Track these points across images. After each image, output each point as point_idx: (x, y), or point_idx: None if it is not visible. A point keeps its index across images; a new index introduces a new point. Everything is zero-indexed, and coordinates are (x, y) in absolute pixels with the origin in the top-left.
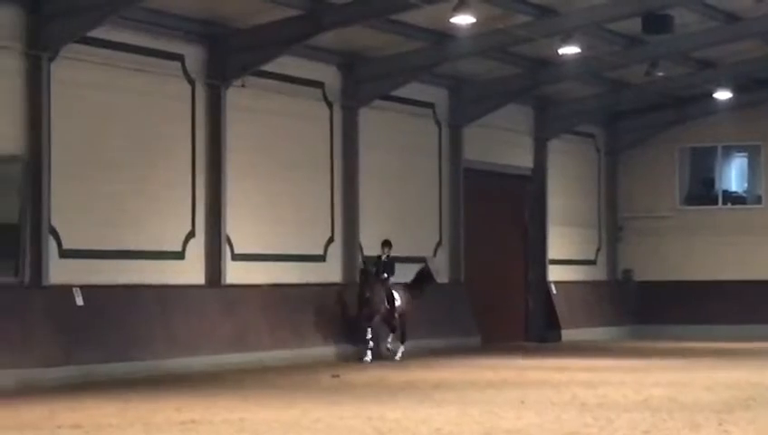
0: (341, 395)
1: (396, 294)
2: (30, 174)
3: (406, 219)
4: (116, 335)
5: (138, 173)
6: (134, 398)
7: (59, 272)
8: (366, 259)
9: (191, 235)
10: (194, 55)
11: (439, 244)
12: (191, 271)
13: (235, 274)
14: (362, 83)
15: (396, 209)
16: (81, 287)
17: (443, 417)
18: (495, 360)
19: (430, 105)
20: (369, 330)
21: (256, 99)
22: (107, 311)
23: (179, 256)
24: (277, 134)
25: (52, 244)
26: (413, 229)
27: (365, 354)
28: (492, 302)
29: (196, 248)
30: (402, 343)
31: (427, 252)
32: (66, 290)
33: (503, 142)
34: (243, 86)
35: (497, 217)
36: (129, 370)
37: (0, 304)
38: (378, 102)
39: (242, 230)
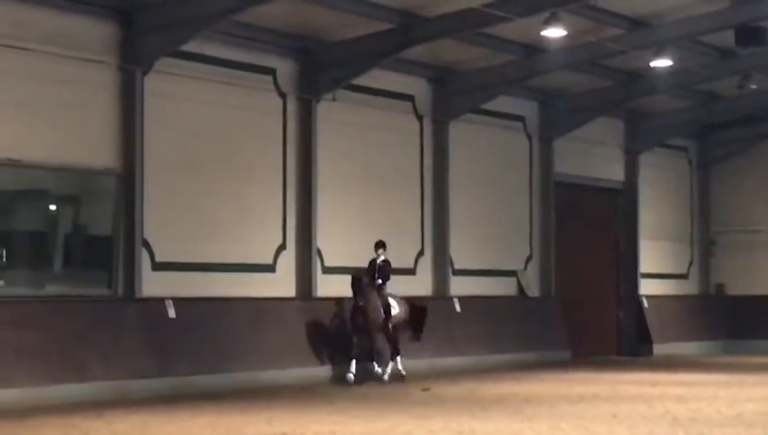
0: (431, 408)
1: (393, 303)
2: (123, 187)
3: (496, 233)
4: (207, 348)
5: (229, 186)
6: (225, 410)
7: (151, 285)
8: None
9: (282, 247)
10: (285, 69)
11: (530, 257)
12: (282, 284)
13: (326, 286)
14: (453, 97)
15: (486, 223)
16: (174, 300)
17: (534, 431)
18: (587, 374)
19: (521, 118)
20: (356, 342)
21: (347, 112)
22: (199, 323)
23: (270, 268)
24: (368, 148)
25: (145, 257)
26: (503, 243)
27: (349, 370)
28: (583, 316)
29: (287, 261)
30: (392, 359)
31: (517, 265)
32: (159, 303)
33: (594, 155)
34: (334, 100)
35: (588, 230)
36: (221, 382)
37: (94, 316)
38: (468, 116)
39: (332, 243)
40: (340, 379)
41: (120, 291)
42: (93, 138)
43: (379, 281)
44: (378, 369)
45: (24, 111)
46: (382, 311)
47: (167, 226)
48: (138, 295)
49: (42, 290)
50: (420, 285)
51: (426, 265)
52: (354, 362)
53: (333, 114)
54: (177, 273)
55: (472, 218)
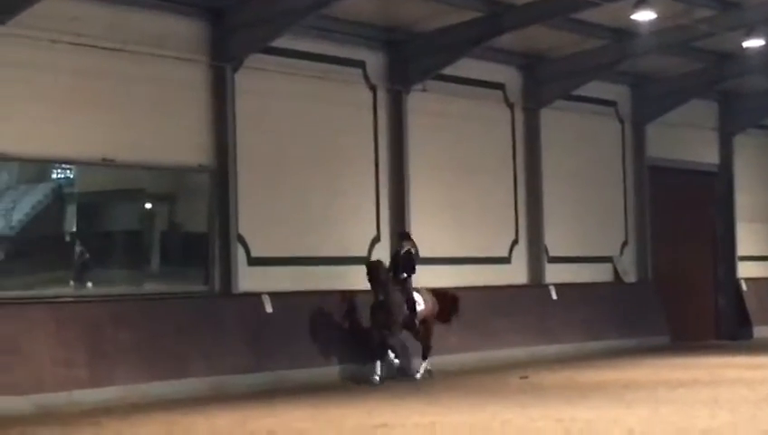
0: (531, 397)
1: (418, 298)
2: (217, 184)
3: (590, 219)
4: (305, 341)
5: (322, 180)
6: (324, 403)
7: (248, 280)
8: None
9: (376, 239)
10: (375, 61)
11: (625, 243)
12: None
13: (421, 277)
14: (543, 84)
15: (580, 209)
16: (270, 295)
17: (634, 417)
18: (686, 359)
19: (612, 103)
20: (377, 341)
21: (437, 102)
22: (295, 317)
23: (365, 261)
24: (459, 137)
25: (241, 252)
26: (598, 229)
27: (374, 371)
28: (681, 300)
29: (382, 253)
30: (425, 358)
31: (613, 251)
32: (255, 298)
33: (687, 139)
34: (424, 90)
35: (683, 214)
36: (319, 374)
37: (192, 312)
38: (559, 102)
39: (426, 234)
40: (363, 380)
41: (217, 287)
42: (186, 136)
43: (404, 275)
44: (395, 360)
45: (117, 111)
46: (406, 307)
47: (261, 221)
48: (234, 291)
49: (139, 288)
50: (515, 274)
51: (520, 253)
52: (379, 362)
53: (424, 105)
54: (272, 267)
55: (566, 205)
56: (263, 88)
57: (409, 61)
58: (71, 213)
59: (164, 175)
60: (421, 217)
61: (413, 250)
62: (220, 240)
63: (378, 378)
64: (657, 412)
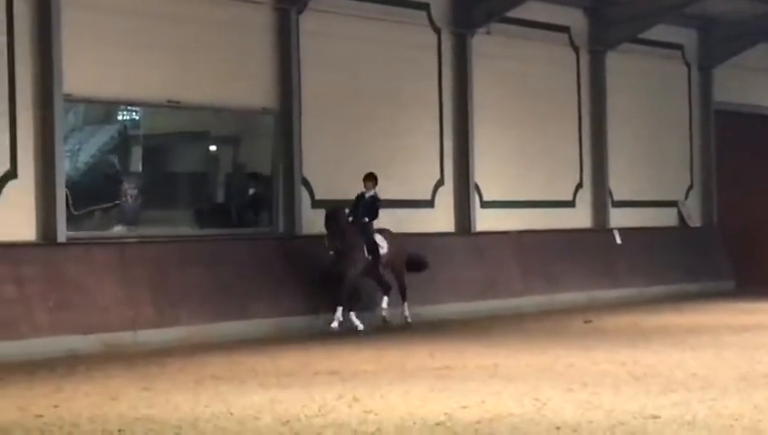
0: (594, 340)
1: (379, 240)
2: (281, 126)
3: (656, 163)
4: (368, 283)
5: (386, 123)
6: (387, 344)
7: (311, 222)
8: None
9: (440, 183)
10: (439, 3)
11: (691, 187)
12: (441, 219)
13: (485, 221)
14: (609, 27)
15: (645, 153)
16: None
17: (698, 361)
18: (751, 303)
19: (679, 47)
20: (340, 308)
21: (502, 46)
22: None
23: (429, 204)
24: (523, 81)
25: (305, 195)
26: (663, 173)
27: (332, 319)
28: (746, 245)
29: (446, 197)
30: (404, 300)
31: (678, 196)
32: (318, 240)
33: (755, 83)
34: (488, 33)
35: (749, 158)
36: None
37: (255, 254)
38: (625, 45)
39: (490, 178)
40: (324, 328)
41: (281, 229)
42: (251, 78)
43: (366, 219)
44: (355, 320)
45: (182, 53)
46: (366, 251)
47: (325, 163)
48: (298, 233)
49: (204, 229)
50: (580, 218)
51: (585, 197)
52: (340, 308)
53: (488, 48)
54: None
55: (631, 150)
56: (327, 30)
57: (474, 3)
58: (136, 155)
59: (228, 117)
60: (485, 161)
61: (376, 195)
62: (284, 183)
63: (337, 324)
64: (720, 356)
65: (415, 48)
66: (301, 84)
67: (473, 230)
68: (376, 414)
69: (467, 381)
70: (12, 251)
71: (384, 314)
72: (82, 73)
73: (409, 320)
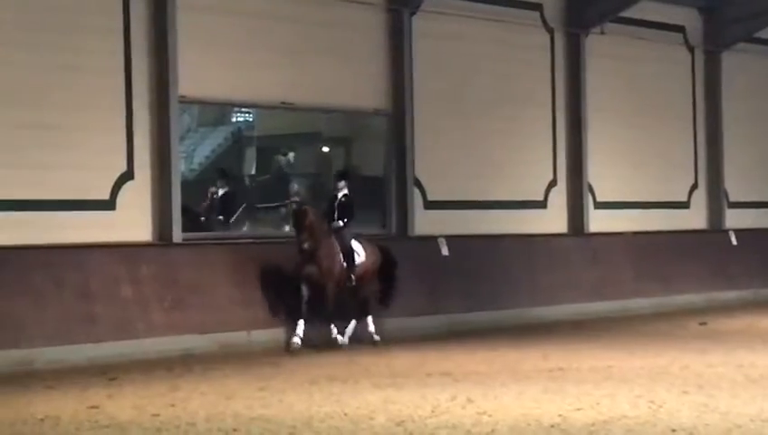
0: (709, 342)
1: (357, 248)
2: (394, 127)
3: None
4: (481, 285)
5: (499, 124)
6: (500, 346)
7: (424, 223)
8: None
9: (553, 184)
10: (552, 4)
11: None
12: (554, 220)
13: (598, 222)
14: (725, 26)
15: (762, 154)
16: (445, 238)
17: None
18: None
19: None
20: (305, 295)
21: (616, 45)
22: (471, 261)
23: (542, 205)
24: (638, 80)
25: (417, 195)
26: None
27: (294, 333)
28: None
29: (559, 197)
30: (358, 319)
31: None
32: (431, 241)
33: None
34: (602, 33)
35: None
36: (494, 319)
37: None
38: (741, 45)
39: (603, 178)
40: (287, 343)
41: (393, 230)
42: (363, 79)
43: (340, 223)
44: (336, 334)
45: (295, 55)
46: (341, 257)
47: (437, 165)
48: (410, 234)
49: None
50: (694, 219)
51: (700, 198)
52: (302, 322)
53: (602, 48)
54: (448, 211)
55: (747, 150)
56: (439, 31)
57: (588, 3)
58: (250, 156)
59: (341, 119)
60: (599, 161)
61: (350, 196)
62: (397, 184)
63: (299, 340)
64: None
65: (528, 48)
66: (413, 85)
67: (586, 231)
68: (490, 415)
69: (581, 383)
70: (128, 251)
71: (372, 332)
72: (197, 75)
73: (377, 338)
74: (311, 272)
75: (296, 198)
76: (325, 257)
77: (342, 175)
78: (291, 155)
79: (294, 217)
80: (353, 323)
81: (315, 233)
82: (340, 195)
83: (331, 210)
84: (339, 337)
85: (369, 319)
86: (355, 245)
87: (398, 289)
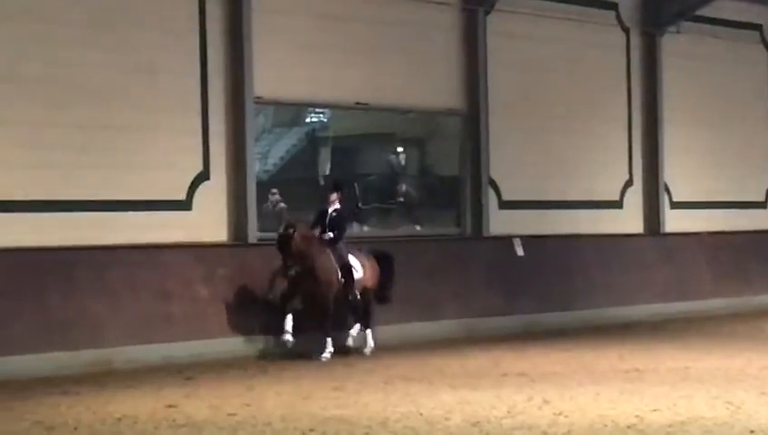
0: None
1: (354, 263)
2: (469, 128)
3: None
4: (555, 285)
5: (574, 123)
6: (576, 347)
7: (499, 223)
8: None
9: (629, 184)
10: (628, 3)
11: None
12: (629, 220)
13: (674, 222)
14: None
15: None
16: (521, 238)
17: None
18: None
19: None
20: (290, 316)
21: (692, 44)
22: (546, 261)
23: (617, 205)
24: (714, 80)
25: (492, 195)
26: None
27: (285, 344)
28: None
29: (634, 197)
30: (366, 327)
31: None
32: (506, 241)
33: None
34: (678, 32)
35: None
36: (569, 319)
37: (444, 254)
38: None
39: (680, 178)
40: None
41: (468, 230)
42: (438, 79)
43: (330, 234)
44: (289, 337)
45: (369, 55)
46: (339, 273)
47: (512, 164)
48: (485, 234)
49: (392, 230)
50: None
51: None
52: (329, 340)
53: (678, 47)
54: (523, 211)
55: None
56: (514, 31)
57: (663, 2)
58: (324, 156)
59: (416, 119)
60: (674, 161)
61: (342, 209)
62: (471, 184)
63: (289, 337)
64: None
65: (603, 48)
66: (488, 85)
67: (662, 231)
68: (566, 416)
69: (658, 384)
70: (204, 252)
71: (350, 341)
72: (272, 76)
73: (368, 352)
74: (308, 287)
75: (402, 199)
76: (323, 271)
77: (335, 187)
78: (402, 155)
79: (278, 240)
80: (357, 326)
81: (303, 255)
82: (330, 209)
83: (321, 224)
84: (349, 339)
85: (369, 332)
86: (352, 260)
87: (394, 283)
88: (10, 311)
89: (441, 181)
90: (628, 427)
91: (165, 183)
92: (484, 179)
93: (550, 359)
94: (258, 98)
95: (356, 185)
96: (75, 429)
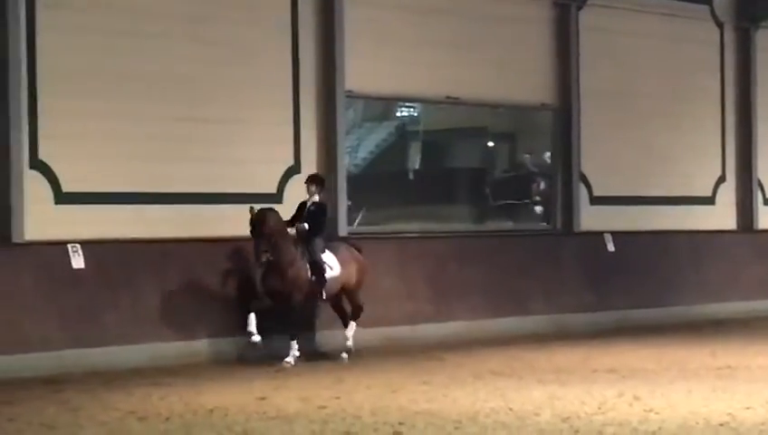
0: None
1: (329, 259)
2: (560, 123)
3: None
4: (647, 281)
5: (666, 119)
6: (667, 343)
7: (590, 219)
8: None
9: (721, 180)
10: None
11: None
12: (722, 216)
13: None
14: None
15: None
16: (612, 233)
17: None
18: None
19: None
20: (252, 315)
21: None
22: (638, 257)
23: (709, 201)
24: None
25: (583, 191)
26: None
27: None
28: None
29: (727, 193)
30: (354, 319)
31: None
32: (597, 236)
33: None
34: None
35: None
36: (661, 315)
37: (533, 250)
38: None
39: None
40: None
41: (559, 225)
42: (529, 74)
43: (305, 225)
44: (256, 338)
45: (460, 49)
46: (308, 271)
47: (604, 160)
48: (576, 230)
49: (482, 225)
50: None
51: None
52: (295, 342)
53: None
54: (614, 207)
55: None
56: (607, 25)
57: None
58: (414, 151)
59: (506, 113)
60: None
61: (322, 202)
62: (562, 179)
63: (258, 338)
64: None
65: (696, 43)
66: (579, 80)
67: (755, 228)
68: (657, 413)
69: (751, 382)
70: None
71: (348, 343)
72: (363, 70)
73: (349, 346)
74: (273, 284)
75: (537, 198)
76: (289, 266)
77: (314, 179)
78: (532, 156)
79: (252, 222)
80: (353, 325)
81: (277, 241)
82: (309, 203)
83: (297, 219)
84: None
85: (352, 326)
86: (327, 257)
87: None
88: (105, 302)
89: (531, 176)
90: (721, 425)
91: (257, 176)
92: (575, 175)
93: (640, 355)
94: (349, 92)
95: (487, 181)
96: (167, 419)
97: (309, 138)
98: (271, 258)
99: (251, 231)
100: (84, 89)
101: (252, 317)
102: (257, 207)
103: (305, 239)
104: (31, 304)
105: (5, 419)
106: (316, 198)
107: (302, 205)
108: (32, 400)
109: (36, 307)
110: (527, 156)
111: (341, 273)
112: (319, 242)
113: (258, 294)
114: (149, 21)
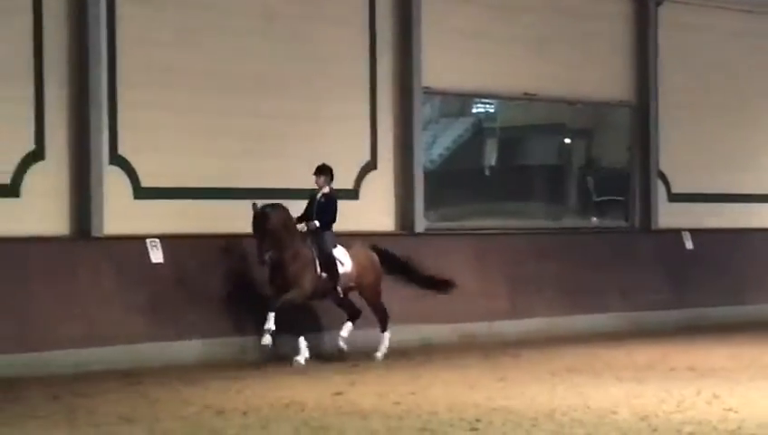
0: None
1: (340, 254)
2: (638, 119)
3: None
4: (725, 279)
5: (745, 115)
6: (746, 342)
7: (668, 216)
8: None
9: None
10: None
11: None
12: None
13: None
14: None
15: None
16: (690, 231)
17: None
18: None
19: None
20: (271, 315)
21: None
22: (716, 254)
23: None
24: None
25: (661, 188)
26: None
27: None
28: None
29: None
30: (383, 330)
31: None
32: (675, 234)
33: None
34: None
35: None
36: (739, 313)
37: (610, 248)
38: None
39: None
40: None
41: (637, 223)
42: (607, 70)
43: (316, 223)
44: (268, 337)
45: (538, 45)
46: (318, 267)
47: (682, 157)
48: (653, 227)
49: (558, 222)
50: None
51: None
52: (273, 314)
53: None
54: (693, 204)
55: None
56: (687, 22)
57: None
58: (491, 147)
59: (584, 110)
60: None
61: (332, 194)
62: (640, 176)
63: (270, 338)
64: None
65: None
66: (658, 77)
67: None
68: (736, 412)
69: None
70: (370, 241)
71: (341, 343)
72: (441, 66)
73: (342, 346)
74: (279, 283)
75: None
76: (293, 261)
77: (322, 170)
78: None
79: (254, 221)
80: (349, 325)
81: (281, 240)
82: (319, 195)
83: (310, 211)
84: (340, 343)
85: (349, 325)
86: (339, 252)
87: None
88: (183, 296)
89: (608, 174)
90: None
91: (333, 172)
92: (653, 172)
93: (719, 354)
94: (426, 88)
95: (589, 179)
96: (244, 413)
97: (385, 134)
98: (273, 257)
99: (252, 229)
100: (163, 86)
101: (271, 316)
102: (259, 203)
103: (315, 233)
104: (110, 297)
105: (85, 411)
106: (326, 189)
107: (312, 197)
108: (110, 393)
109: (115, 301)
110: (628, 151)
111: (353, 269)
112: (329, 236)
113: (268, 295)
114: (227, 17)
